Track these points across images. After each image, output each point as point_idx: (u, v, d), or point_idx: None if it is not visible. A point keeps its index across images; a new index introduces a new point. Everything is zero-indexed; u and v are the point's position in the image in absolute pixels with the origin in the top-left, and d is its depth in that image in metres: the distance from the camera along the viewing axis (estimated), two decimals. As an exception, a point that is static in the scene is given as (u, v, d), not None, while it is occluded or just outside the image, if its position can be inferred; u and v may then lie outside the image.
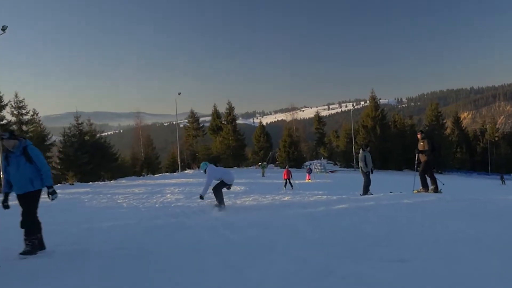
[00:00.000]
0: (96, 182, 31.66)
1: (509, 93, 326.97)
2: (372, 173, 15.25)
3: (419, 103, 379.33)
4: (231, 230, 7.28)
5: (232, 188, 23.00)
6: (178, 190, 21.47)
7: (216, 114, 63.24)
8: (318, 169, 32.96)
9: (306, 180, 32.12)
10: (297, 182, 29.85)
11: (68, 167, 35.60)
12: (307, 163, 36.05)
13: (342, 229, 7.05)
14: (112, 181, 32.94)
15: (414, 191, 13.16)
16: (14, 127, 35.36)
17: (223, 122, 61.71)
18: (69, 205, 14.56)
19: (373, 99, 64.54)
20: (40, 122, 40.14)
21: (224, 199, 12.73)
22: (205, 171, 11.32)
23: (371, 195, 13.44)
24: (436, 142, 60.46)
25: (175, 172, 46.23)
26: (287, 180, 25.33)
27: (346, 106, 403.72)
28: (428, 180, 12.77)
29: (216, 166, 12.41)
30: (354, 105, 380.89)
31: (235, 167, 56.32)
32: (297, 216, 8.40)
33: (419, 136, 13.24)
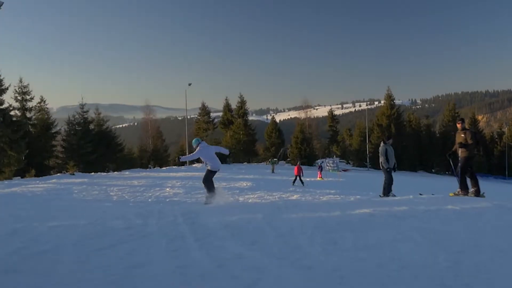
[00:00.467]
0: (99, 172, 30.45)
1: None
2: (394, 170, 12.80)
3: (433, 105, 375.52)
4: (203, 244, 5.09)
5: (238, 184, 21.75)
6: (179, 184, 20.11)
7: (227, 108, 61.51)
8: (331, 167, 31.30)
9: (318, 178, 30.58)
10: (307, 179, 28.45)
11: (71, 156, 34.39)
12: (318, 160, 34.56)
13: (370, 253, 4.63)
14: (115, 172, 31.69)
15: (451, 194, 10.92)
16: (17, 112, 34.21)
17: (234, 116, 60.19)
18: (52, 195, 13.33)
19: (389, 97, 62.42)
20: (47, 110, 39.12)
21: (227, 195, 12.42)
22: (196, 147, 10.84)
23: (395, 197, 11.12)
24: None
25: (183, 165, 44.90)
26: (298, 177, 24.14)
27: (360, 106, 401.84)
28: (468, 181, 10.47)
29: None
30: (368, 104, 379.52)
31: (245, 163, 54.90)
32: (302, 224, 6.11)
33: (459, 126, 10.81)
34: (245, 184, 21.25)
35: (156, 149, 50.51)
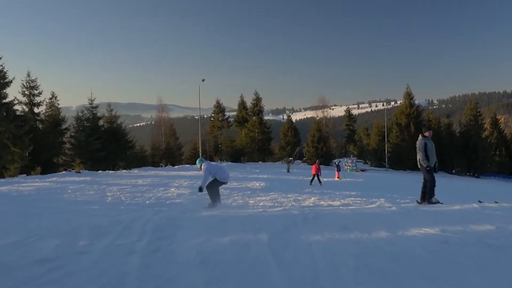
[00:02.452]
0: (107, 171, 29.27)
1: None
2: (435, 170, 10.29)
3: (450, 105, 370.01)
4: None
5: (251, 184, 20.28)
6: (187, 184, 18.74)
7: (242, 105, 59.90)
8: (349, 166, 29.56)
9: (335, 179, 28.97)
10: (325, 180, 26.91)
11: (78, 154, 33.19)
12: (336, 160, 32.63)
13: None
14: (124, 170, 30.45)
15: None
16: (24, 107, 33.13)
17: (249, 113, 58.60)
18: (41, 196, 12.10)
19: (408, 95, 59.97)
20: (59, 106, 38.07)
21: (238, 196, 12.09)
22: (200, 167, 10.46)
23: (442, 204, 8.95)
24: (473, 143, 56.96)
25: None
26: (316, 176, 22.88)
27: (376, 106, 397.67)
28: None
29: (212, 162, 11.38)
30: (385, 104, 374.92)
31: (260, 162, 53.32)
32: (333, 258, 3.83)
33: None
34: (258, 185, 19.81)
35: (169, 147, 49.10)
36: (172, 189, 15.87)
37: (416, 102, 63.51)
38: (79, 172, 26.29)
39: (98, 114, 37.22)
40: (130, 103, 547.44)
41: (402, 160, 55.27)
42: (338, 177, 29.17)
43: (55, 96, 37.34)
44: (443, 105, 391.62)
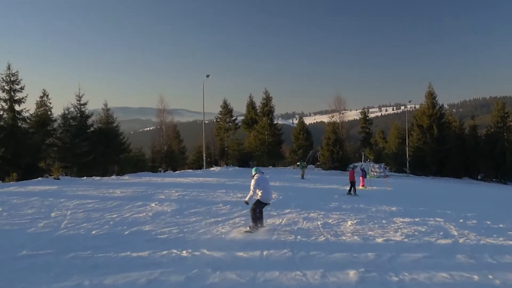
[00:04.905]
0: (94, 176, 25.21)
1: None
2: None
3: (461, 110, 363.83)
4: None
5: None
6: (177, 195, 14.68)
7: (251, 106, 55.28)
8: (376, 172, 24.83)
9: (360, 187, 24.62)
10: (347, 189, 22.65)
11: (63, 157, 28.98)
12: (362, 164, 27.91)
13: None
14: (112, 176, 26.34)
15: None
16: (3, 104, 29.09)
17: (258, 114, 53.90)
18: None
19: (430, 95, 55.00)
20: (51, 106, 34.02)
21: (240, 217, 10.17)
22: (254, 175, 9.62)
23: None
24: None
25: (200, 169, 39.21)
26: (353, 184, 19.78)
27: (386, 110, 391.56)
28: None
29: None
30: (394, 109, 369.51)
31: (270, 167, 48.79)
32: None
33: None
34: (268, 197, 15.73)
35: (171, 150, 44.68)
36: (153, 204, 11.83)
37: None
38: (58, 179, 22.32)
39: (87, 112, 32.82)
40: (141, 107, 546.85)
41: (424, 165, 50.65)
42: (363, 185, 24.79)
43: (46, 94, 33.38)
44: (453, 110, 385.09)
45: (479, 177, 55.48)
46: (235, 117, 54.65)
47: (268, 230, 8.60)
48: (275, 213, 11.05)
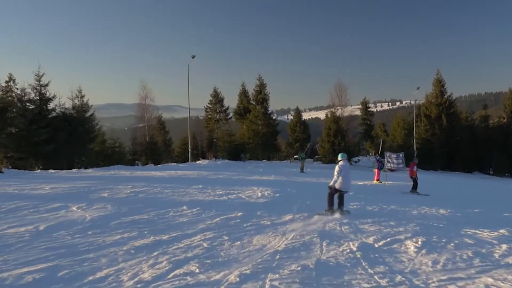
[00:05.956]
0: (51, 170, 20.72)
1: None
2: None
3: (458, 105, 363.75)
4: None
5: (249, 191, 11.55)
6: (128, 192, 10.32)
7: (244, 94, 50.17)
8: (394, 163, 20.24)
9: (374, 181, 20.24)
10: (360, 183, 18.30)
11: (17, 147, 24.18)
12: (377, 155, 23.76)
13: None
14: (74, 169, 21.78)
15: None
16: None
17: (251, 102, 48.79)
18: None
19: (439, 82, 50.07)
20: (18, 92, 29.46)
21: (215, 233, 6.67)
22: (339, 161, 9.65)
23: None
24: None
25: (185, 163, 34.54)
26: (415, 180, 16.49)
27: (381, 106, 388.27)
28: None
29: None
30: (390, 105, 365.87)
31: (264, 160, 44.18)
32: None
33: None
34: (260, 194, 11.30)
35: (153, 142, 39.77)
36: (74, 208, 7.44)
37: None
38: (2, 172, 17.86)
39: (47, 95, 27.88)
40: (136, 103, 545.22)
41: (432, 157, 46.09)
42: (377, 179, 20.35)
43: (13, 79, 28.83)
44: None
45: (490, 171, 51.09)
46: (226, 107, 49.77)
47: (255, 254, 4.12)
48: (268, 222, 6.62)
